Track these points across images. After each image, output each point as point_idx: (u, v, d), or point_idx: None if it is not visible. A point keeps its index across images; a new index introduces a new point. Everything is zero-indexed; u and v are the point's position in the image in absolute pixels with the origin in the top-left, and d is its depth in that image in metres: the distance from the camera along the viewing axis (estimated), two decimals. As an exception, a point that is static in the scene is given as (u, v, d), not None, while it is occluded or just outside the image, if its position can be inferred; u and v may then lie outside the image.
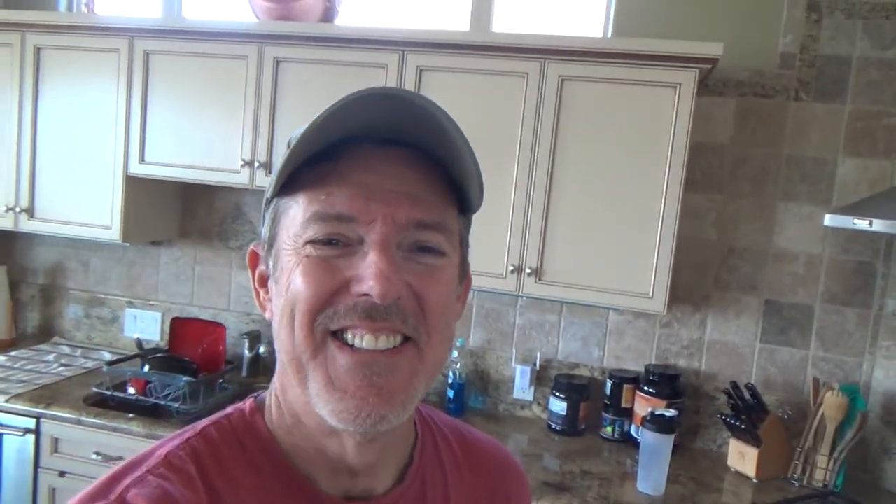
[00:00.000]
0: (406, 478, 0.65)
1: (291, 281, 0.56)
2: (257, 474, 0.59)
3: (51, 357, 2.52)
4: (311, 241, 0.55)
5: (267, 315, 0.62)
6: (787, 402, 2.16)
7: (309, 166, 0.56)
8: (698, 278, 2.23)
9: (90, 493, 0.54)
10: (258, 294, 0.64)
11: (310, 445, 0.60)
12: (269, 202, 0.61)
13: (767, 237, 2.17)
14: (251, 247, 0.65)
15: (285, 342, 0.56)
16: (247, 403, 0.64)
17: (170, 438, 0.60)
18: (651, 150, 1.92)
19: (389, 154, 0.57)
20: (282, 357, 0.58)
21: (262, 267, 0.62)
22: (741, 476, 2.02)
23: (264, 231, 0.62)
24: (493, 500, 0.74)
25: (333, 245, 0.55)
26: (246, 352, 2.50)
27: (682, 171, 1.90)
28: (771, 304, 2.18)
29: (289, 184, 0.58)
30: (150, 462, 0.56)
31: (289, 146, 0.56)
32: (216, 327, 2.47)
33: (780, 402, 2.16)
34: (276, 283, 0.59)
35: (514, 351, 2.38)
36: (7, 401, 2.09)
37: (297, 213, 0.57)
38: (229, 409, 0.63)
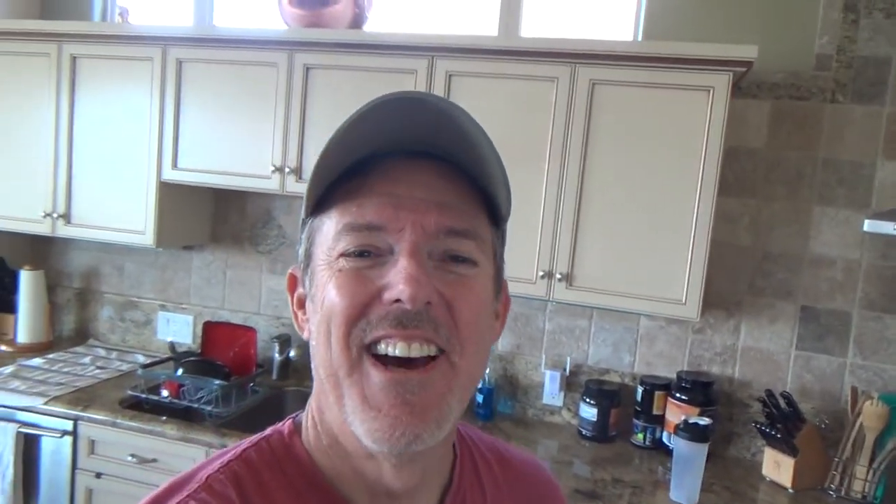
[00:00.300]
0: (446, 500, 0.64)
1: (326, 295, 0.56)
2: (297, 498, 0.58)
3: (87, 359, 2.57)
4: (344, 254, 0.56)
5: (305, 335, 0.62)
6: (823, 410, 2.11)
7: (340, 183, 0.57)
8: (732, 284, 2.19)
9: None
10: (296, 316, 0.64)
11: (347, 467, 0.60)
12: (304, 222, 0.62)
13: (803, 242, 2.13)
14: (290, 270, 0.65)
15: (323, 358, 0.56)
16: (285, 425, 0.64)
17: (211, 460, 0.61)
18: (684, 154, 1.89)
19: (417, 165, 0.57)
20: (320, 375, 0.58)
21: (300, 289, 0.63)
22: (777, 486, 1.98)
23: (301, 252, 0.62)
24: None
25: (365, 257, 0.55)
26: (276, 355, 2.52)
27: (715, 176, 1.87)
28: (807, 310, 2.13)
29: (322, 202, 0.59)
30: (192, 486, 0.57)
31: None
32: (247, 331, 2.49)
33: (817, 410, 2.12)
34: (312, 301, 0.59)
35: (543, 356, 2.37)
36: (46, 403, 2.14)
37: (329, 228, 0.57)
38: (268, 431, 0.64)
